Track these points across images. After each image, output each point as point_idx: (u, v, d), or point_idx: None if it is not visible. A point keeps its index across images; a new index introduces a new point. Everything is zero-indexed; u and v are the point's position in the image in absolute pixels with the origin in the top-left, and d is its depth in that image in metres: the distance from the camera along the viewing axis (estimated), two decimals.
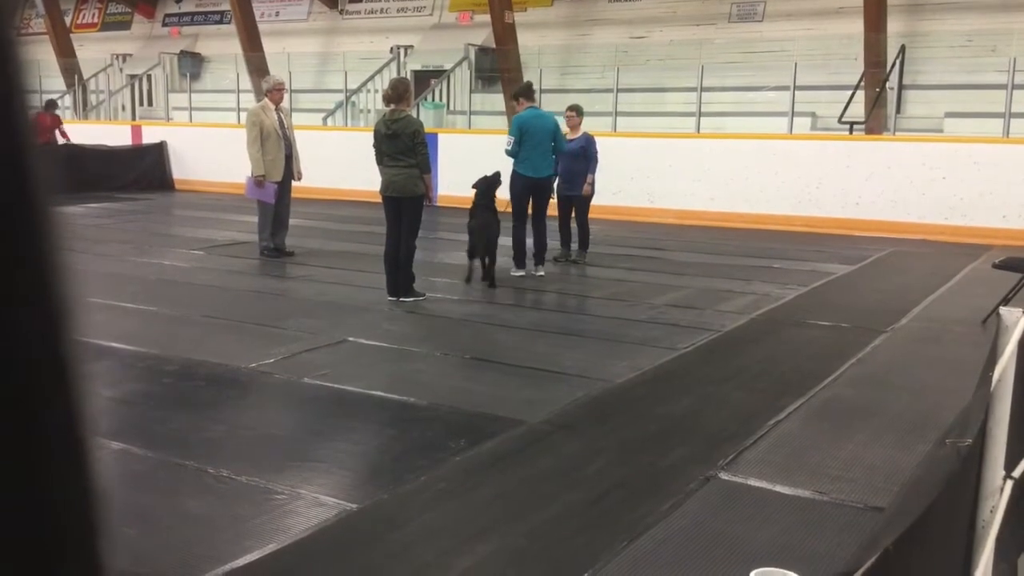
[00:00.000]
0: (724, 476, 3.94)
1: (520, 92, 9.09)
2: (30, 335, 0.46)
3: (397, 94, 7.56)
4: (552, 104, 15.76)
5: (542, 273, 8.96)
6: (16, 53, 0.45)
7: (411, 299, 7.64)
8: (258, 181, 9.60)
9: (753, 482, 3.88)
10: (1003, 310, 2.23)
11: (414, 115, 7.81)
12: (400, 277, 7.67)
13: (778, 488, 3.82)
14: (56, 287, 0.47)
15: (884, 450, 4.29)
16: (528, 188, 8.80)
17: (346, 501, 3.64)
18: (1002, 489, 2.18)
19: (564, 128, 9.47)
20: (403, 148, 7.47)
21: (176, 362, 5.70)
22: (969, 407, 1.94)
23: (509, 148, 8.73)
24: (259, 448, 4.32)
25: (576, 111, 9.72)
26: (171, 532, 3.45)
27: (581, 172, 9.54)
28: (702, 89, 14.39)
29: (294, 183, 10.06)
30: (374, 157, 7.72)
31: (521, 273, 8.88)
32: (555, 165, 8.99)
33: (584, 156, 9.55)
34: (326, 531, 3.39)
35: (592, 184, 9.60)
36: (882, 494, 3.70)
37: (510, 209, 8.80)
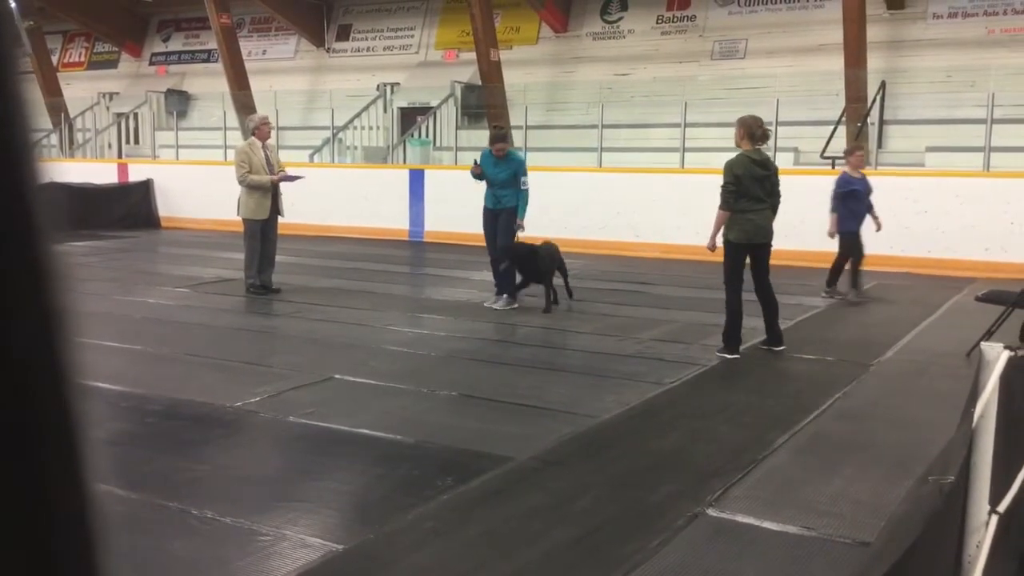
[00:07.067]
0: (712, 512, 3.93)
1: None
2: (33, 365, 0.46)
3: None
4: (538, 140, 15.92)
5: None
6: (20, 89, 0.46)
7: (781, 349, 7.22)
8: (279, 179, 9.78)
9: (741, 518, 3.87)
10: (984, 345, 2.25)
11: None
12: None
13: (766, 524, 3.81)
14: (57, 317, 0.47)
15: (871, 484, 4.29)
16: None
17: (332, 542, 3.61)
18: (987, 524, 2.18)
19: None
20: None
21: (160, 401, 5.65)
22: (951, 443, 1.95)
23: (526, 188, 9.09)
24: (244, 488, 4.28)
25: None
26: (154, 575, 3.40)
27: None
28: (686, 125, 14.52)
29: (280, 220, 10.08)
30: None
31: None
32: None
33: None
34: (311, 573, 3.36)
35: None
36: (869, 529, 3.69)
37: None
